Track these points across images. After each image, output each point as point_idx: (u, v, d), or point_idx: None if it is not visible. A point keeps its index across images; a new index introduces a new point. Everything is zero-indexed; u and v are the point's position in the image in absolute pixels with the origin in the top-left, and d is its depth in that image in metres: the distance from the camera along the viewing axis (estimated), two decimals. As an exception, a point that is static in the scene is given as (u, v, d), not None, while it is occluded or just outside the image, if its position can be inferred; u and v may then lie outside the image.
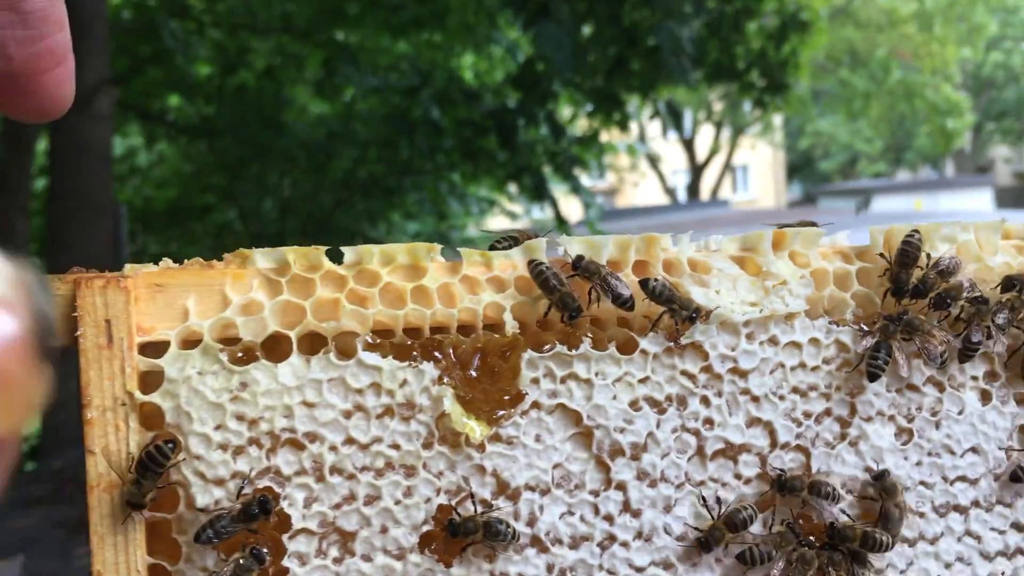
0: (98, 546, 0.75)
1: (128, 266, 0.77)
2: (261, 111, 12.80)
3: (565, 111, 14.41)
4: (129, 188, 16.31)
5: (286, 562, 0.77)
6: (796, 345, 0.88)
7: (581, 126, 13.15)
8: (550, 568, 0.82)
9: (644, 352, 0.85)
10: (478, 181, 14.71)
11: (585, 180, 13.25)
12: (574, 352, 0.83)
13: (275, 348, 0.80)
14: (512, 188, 13.88)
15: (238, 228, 17.25)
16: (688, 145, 41.45)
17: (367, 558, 0.79)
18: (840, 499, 0.85)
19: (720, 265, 0.87)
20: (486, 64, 13.69)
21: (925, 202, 35.95)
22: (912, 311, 0.87)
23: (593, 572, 0.83)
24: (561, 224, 13.04)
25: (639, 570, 0.84)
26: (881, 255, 0.87)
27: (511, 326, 0.83)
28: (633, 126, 12.73)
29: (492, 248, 0.90)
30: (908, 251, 0.86)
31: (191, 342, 0.77)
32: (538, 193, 12.75)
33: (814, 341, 0.88)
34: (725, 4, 10.02)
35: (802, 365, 0.88)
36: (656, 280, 0.84)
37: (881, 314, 0.88)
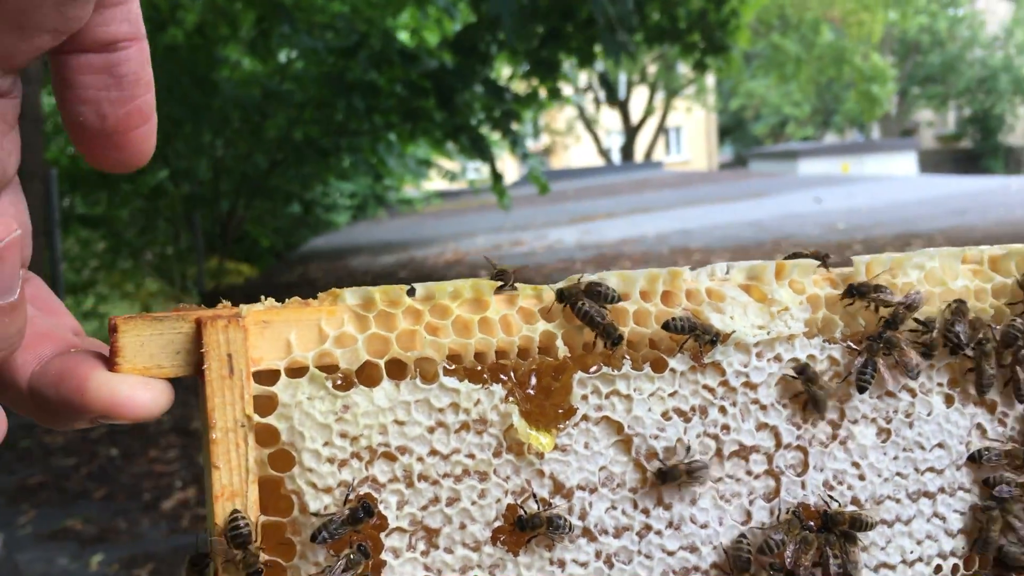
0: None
1: (243, 307, 0.89)
2: (193, 70, 12.48)
3: (504, 71, 14.34)
4: (55, 147, 15.79)
5: (383, 556, 0.92)
6: (796, 361, 1.04)
7: (518, 87, 13.14)
8: (598, 554, 0.98)
9: (673, 370, 1.00)
10: (416, 141, 14.61)
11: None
12: (616, 372, 0.98)
13: (362, 373, 0.93)
14: (450, 146, 13.82)
15: (170, 189, 16.89)
16: (622, 107, 41.79)
17: (449, 551, 0.94)
18: (704, 480, 1.01)
19: (732, 294, 1.03)
20: (423, 23, 13.52)
21: (852, 165, 36.98)
22: (892, 332, 1.04)
23: (633, 556, 0.99)
24: (497, 181, 13.09)
25: (670, 553, 1.01)
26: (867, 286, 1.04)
27: (562, 351, 0.98)
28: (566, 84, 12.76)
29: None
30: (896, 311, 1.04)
31: (296, 370, 0.90)
32: (477, 150, 12.74)
33: (811, 357, 1.05)
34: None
35: (802, 378, 1.04)
36: (674, 319, 0.99)
37: (866, 335, 1.05)
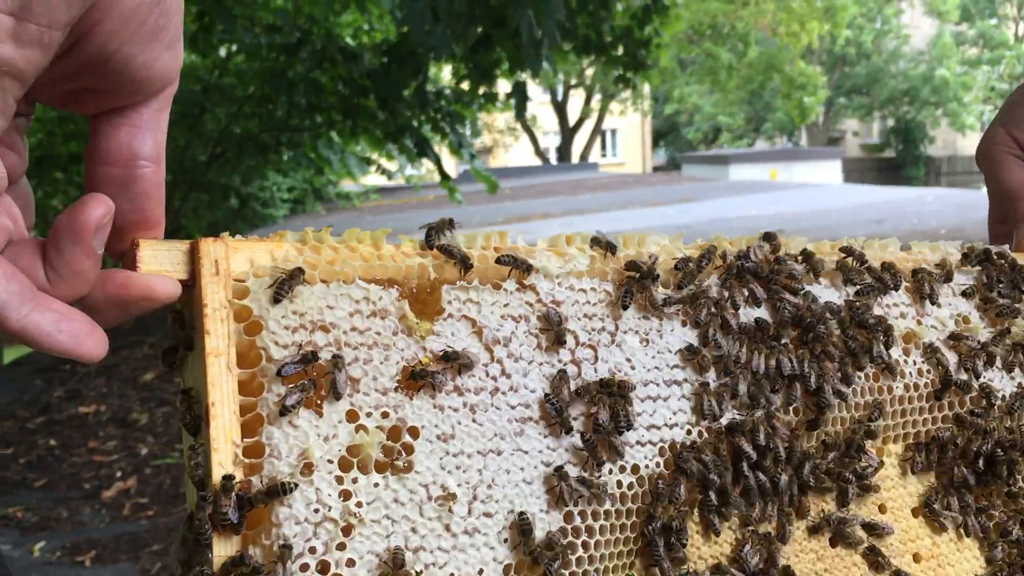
0: (212, 387, 1.28)
1: (222, 235, 1.38)
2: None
3: (445, 71, 14.52)
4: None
5: (322, 392, 1.44)
6: (584, 291, 1.61)
7: (459, 90, 13.42)
8: (465, 404, 1.44)
9: (505, 289, 1.54)
10: (357, 139, 14.78)
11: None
12: (469, 285, 1.54)
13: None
14: (392, 146, 13.96)
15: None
16: (560, 108, 42.44)
17: (366, 394, 1.38)
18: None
19: (541, 249, 1.61)
20: (365, 21, 13.74)
21: (780, 171, 38.05)
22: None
23: (488, 407, 1.46)
24: (445, 180, 13.41)
25: (512, 407, 1.49)
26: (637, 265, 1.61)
27: (433, 275, 1.53)
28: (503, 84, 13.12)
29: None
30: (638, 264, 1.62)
31: (258, 277, 1.41)
32: (420, 151, 12.94)
33: (593, 289, 1.61)
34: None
35: (588, 302, 1.61)
36: (504, 255, 1.52)
37: (626, 276, 1.63)
